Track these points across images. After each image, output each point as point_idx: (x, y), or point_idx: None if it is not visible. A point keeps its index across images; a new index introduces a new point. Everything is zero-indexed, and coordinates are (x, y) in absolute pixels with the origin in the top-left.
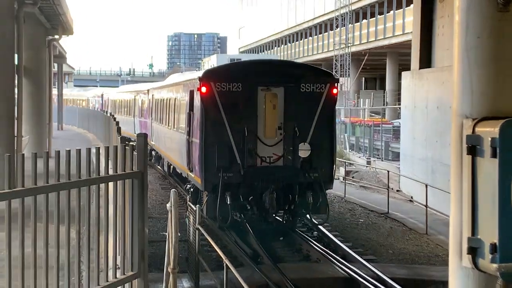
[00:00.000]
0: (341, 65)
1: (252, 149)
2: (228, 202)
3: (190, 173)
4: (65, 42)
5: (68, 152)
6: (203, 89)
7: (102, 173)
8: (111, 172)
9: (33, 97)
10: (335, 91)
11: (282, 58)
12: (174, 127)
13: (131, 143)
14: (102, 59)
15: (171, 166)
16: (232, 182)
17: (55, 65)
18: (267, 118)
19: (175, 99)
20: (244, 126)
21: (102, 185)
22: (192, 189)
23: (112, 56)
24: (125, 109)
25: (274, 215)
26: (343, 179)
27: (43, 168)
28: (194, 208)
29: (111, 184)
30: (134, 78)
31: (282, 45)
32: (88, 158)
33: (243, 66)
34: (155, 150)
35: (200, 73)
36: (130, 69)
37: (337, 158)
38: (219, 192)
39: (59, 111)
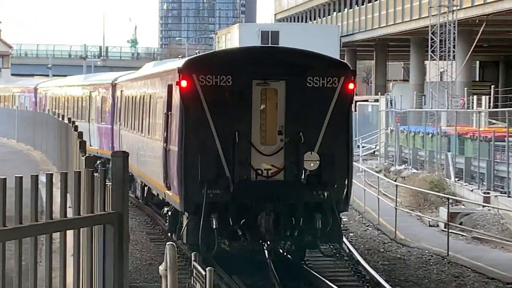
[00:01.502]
0: (441, 40)
1: (245, 159)
2: (214, 227)
3: (168, 191)
4: None
5: (3, 181)
6: (183, 83)
7: (57, 215)
8: (70, 214)
9: None
10: (351, 86)
11: (343, 30)
12: (149, 135)
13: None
14: (57, 33)
15: (146, 188)
16: (219, 201)
17: None
18: (264, 121)
19: (150, 96)
20: (235, 130)
21: (56, 235)
22: (170, 213)
23: (73, 27)
24: (75, 110)
25: (273, 242)
26: (445, 227)
27: None
28: (203, 272)
29: (70, 233)
30: (107, 62)
31: (346, 9)
32: (34, 191)
33: (234, 54)
34: None
35: (180, 63)
36: (101, 47)
37: (437, 193)
38: (202, 214)
39: None
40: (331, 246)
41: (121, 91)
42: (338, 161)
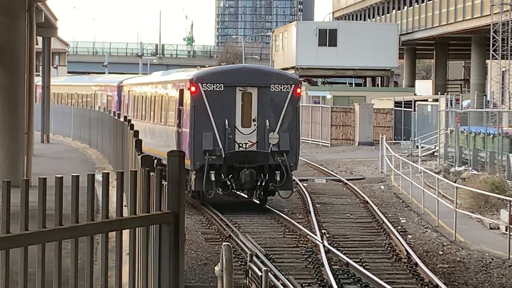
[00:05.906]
0: (503, 39)
1: (232, 137)
2: (212, 179)
3: None
4: (54, 2)
5: (59, 180)
6: (193, 89)
7: (113, 214)
8: (126, 213)
9: (3, 91)
10: (298, 90)
11: (402, 29)
12: (162, 122)
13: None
14: (113, 30)
15: (156, 161)
16: (215, 163)
17: (40, 39)
18: (243, 112)
19: (162, 96)
20: (225, 118)
21: (112, 234)
22: None
23: (129, 25)
24: (79, 105)
25: (248, 191)
26: (506, 229)
27: (20, 205)
28: (260, 273)
29: (126, 233)
30: (163, 60)
31: (405, 7)
32: (90, 190)
33: (225, 71)
34: None
35: (189, 75)
36: (157, 45)
37: (498, 195)
38: (205, 171)
39: (44, 112)
40: (386, 245)
41: (128, 91)
42: (290, 138)
